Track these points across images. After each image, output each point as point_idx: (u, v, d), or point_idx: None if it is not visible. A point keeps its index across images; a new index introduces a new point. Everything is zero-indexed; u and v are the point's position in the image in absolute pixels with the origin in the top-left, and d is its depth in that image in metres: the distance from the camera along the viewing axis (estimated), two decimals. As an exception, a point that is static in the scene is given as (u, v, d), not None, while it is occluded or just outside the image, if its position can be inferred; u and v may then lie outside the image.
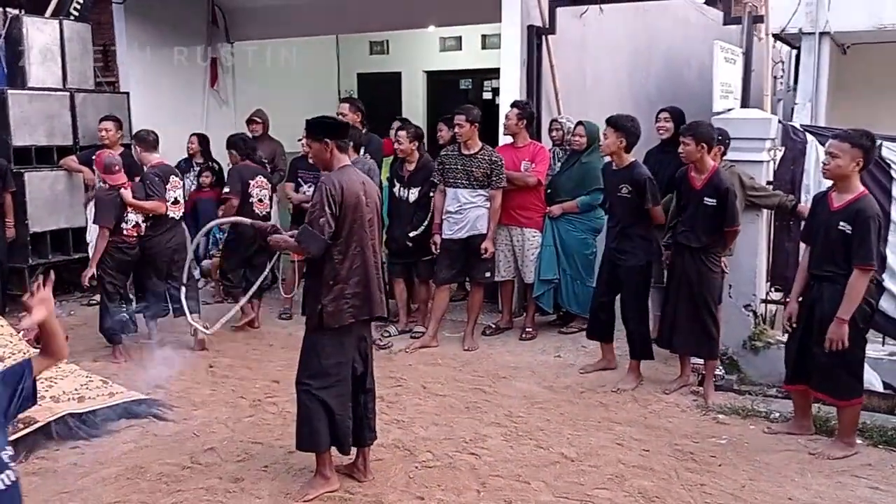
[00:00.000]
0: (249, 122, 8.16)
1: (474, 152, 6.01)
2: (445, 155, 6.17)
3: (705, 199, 4.87)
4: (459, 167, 6.03)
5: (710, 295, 4.98)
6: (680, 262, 5.03)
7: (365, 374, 3.96)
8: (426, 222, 6.34)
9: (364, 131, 6.63)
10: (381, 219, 6.31)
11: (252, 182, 6.63)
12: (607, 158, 5.44)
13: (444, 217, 6.14)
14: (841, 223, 4.14)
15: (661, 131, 5.93)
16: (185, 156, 8.19)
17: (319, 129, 3.84)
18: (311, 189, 6.51)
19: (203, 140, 8.20)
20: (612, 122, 5.16)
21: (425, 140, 9.26)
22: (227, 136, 7.02)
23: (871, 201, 4.18)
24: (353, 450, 4.00)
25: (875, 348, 5.66)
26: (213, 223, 5.25)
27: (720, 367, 5.55)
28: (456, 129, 6.04)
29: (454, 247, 6.10)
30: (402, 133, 6.33)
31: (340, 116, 6.60)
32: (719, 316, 5.13)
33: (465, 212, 6.04)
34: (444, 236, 6.13)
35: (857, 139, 4.11)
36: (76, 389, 4.70)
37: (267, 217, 6.65)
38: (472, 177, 6.00)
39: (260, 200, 6.69)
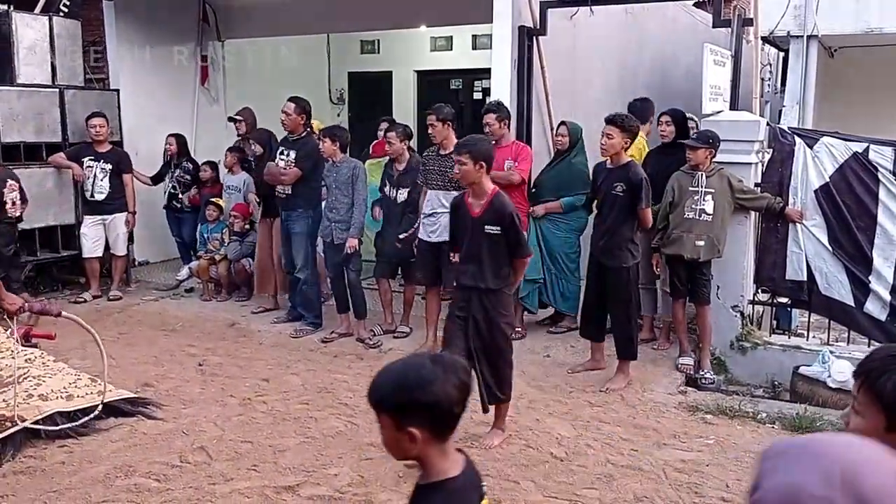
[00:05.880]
0: (232, 120, 8.02)
1: (449, 152, 5.48)
2: (426, 156, 6.05)
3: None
4: (436, 168, 5.85)
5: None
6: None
7: None
8: (416, 223, 6.32)
9: (305, 132, 6.46)
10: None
11: (5, 190, 6.54)
12: (600, 158, 5.46)
13: (421, 220, 6.03)
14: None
15: (662, 134, 6.02)
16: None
17: None
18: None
19: (180, 140, 8.16)
20: (618, 122, 5.04)
21: (416, 140, 9.29)
22: None
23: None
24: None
25: (861, 349, 5.72)
26: None
27: (707, 371, 5.59)
28: (429, 130, 5.89)
29: (428, 249, 5.95)
30: (392, 133, 6.27)
31: (284, 115, 6.40)
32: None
33: (439, 216, 5.76)
34: (420, 237, 6.05)
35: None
36: (65, 388, 4.67)
37: (19, 219, 6.72)
38: (446, 178, 5.71)
39: (13, 203, 6.58)
